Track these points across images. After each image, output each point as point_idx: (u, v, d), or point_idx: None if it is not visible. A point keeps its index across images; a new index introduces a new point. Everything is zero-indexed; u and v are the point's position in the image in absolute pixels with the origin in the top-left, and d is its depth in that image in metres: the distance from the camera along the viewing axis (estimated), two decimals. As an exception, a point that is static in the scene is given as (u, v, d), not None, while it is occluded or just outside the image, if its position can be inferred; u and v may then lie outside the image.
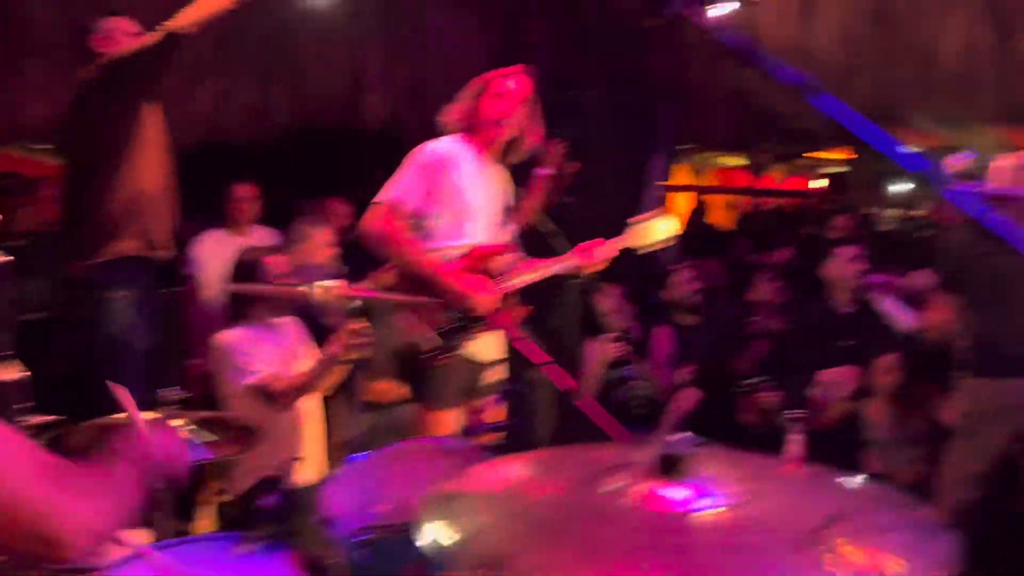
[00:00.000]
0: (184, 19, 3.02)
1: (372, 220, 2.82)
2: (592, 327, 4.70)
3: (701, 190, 13.06)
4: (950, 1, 4.49)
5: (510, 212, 3.08)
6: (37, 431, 2.73)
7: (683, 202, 11.62)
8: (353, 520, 1.89)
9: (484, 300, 2.80)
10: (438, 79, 5.18)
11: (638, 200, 5.63)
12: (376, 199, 2.86)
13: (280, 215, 4.63)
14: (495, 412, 2.04)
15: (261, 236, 4.56)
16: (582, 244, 2.98)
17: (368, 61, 5.01)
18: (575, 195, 4.80)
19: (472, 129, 2.98)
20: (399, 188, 2.83)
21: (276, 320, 3.08)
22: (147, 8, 4.33)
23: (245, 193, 4.58)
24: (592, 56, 4.92)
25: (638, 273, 5.64)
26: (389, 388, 4.02)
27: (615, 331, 4.61)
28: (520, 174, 4.51)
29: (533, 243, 4.07)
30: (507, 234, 3.05)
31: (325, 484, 2.08)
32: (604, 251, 2.98)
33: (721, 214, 12.11)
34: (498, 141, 3.01)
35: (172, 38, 3.03)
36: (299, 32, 4.85)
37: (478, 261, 2.93)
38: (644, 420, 4.59)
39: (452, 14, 5.19)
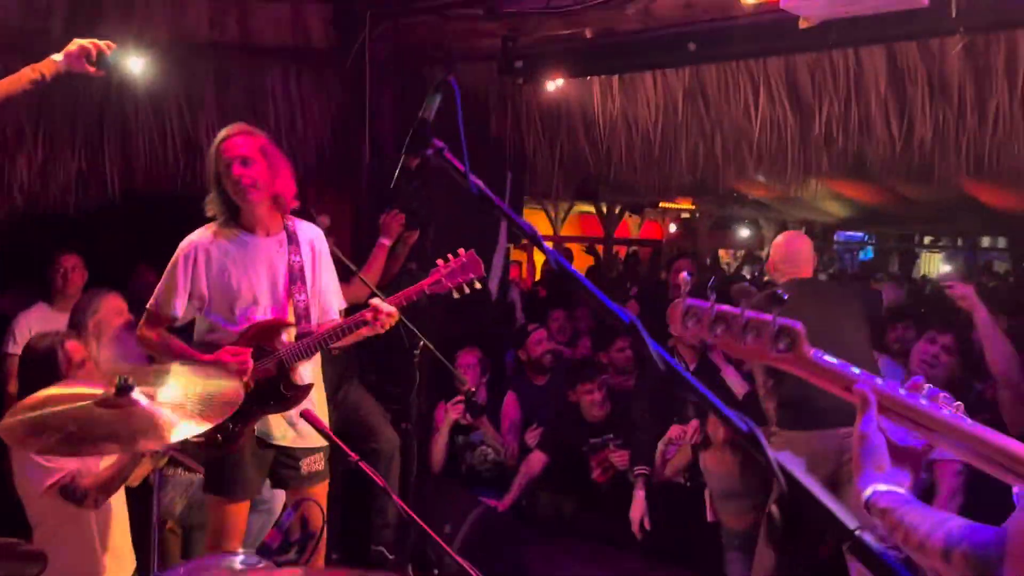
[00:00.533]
0: None
1: (139, 327, 2.98)
2: (443, 390, 4.71)
3: (560, 239, 13.47)
4: (756, 87, 4.86)
5: (302, 281, 2.97)
6: None
7: (540, 254, 11.88)
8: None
9: (232, 367, 2.71)
10: (279, 141, 5.13)
11: (487, 261, 5.75)
12: (148, 304, 2.96)
13: (112, 283, 4.41)
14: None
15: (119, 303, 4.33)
16: (371, 303, 2.84)
17: (201, 124, 4.89)
18: (417, 262, 4.85)
19: (228, 210, 2.92)
20: (158, 293, 2.93)
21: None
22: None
23: (69, 263, 4.34)
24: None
25: (494, 332, 5.72)
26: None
27: (463, 394, 4.63)
28: (361, 245, 4.50)
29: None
30: (297, 304, 2.94)
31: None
32: (391, 307, 2.83)
33: (581, 261, 12.47)
34: (257, 213, 2.93)
35: None
36: (128, 97, 4.69)
37: (256, 338, 2.87)
38: (492, 483, 4.62)
39: (292, 79, 5.15)
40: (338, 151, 5.22)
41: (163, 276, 2.93)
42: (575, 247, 13.20)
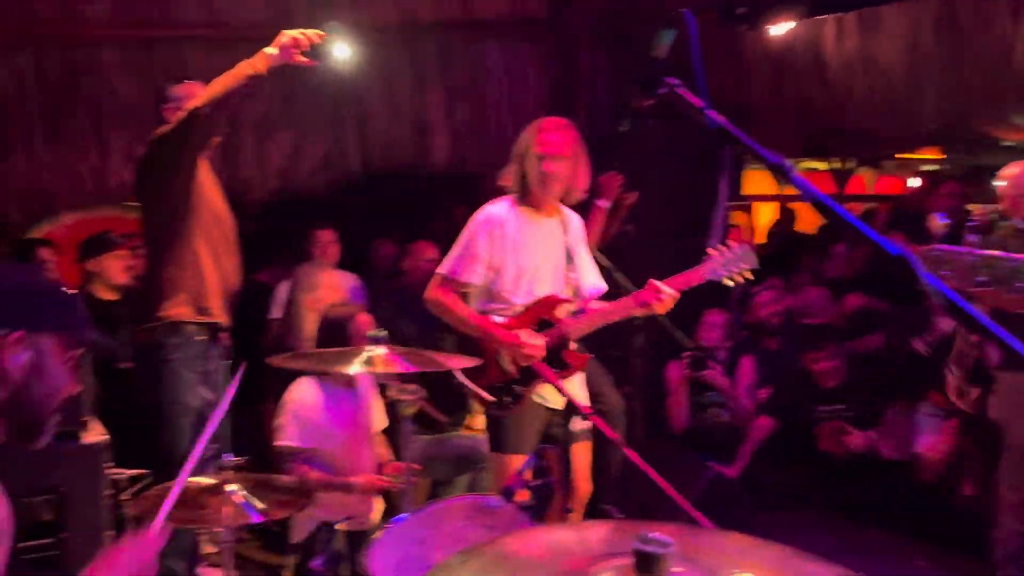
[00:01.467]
0: (202, 98, 3.13)
1: (430, 290, 3.11)
2: (670, 351, 4.65)
3: (785, 198, 12.73)
4: (1015, 11, 4.27)
5: (572, 262, 3.13)
6: (123, 485, 2.92)
7: (765, 213, 11.31)
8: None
9: (530, 348, 2.88)
10: (499, 117, 5.29)
11: (705, 225, 5.55)
12: (438, 269, 3.14)
13: (351, 259, 4.80)
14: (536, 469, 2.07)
15: (340, 279, 4.75)
16: (650, 282, 2.96)
17: (430, 104, 5.14)
18: (635, 224, 4.80)
19: (523, 190, 3.07)
20: (452, 260, 3.09)
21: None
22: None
23: (327, 237, 4.77)
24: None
25: (721, 294, 5.54)
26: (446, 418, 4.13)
27: (690, 350, 4.56)
28: (577, 207, 4.53)
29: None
30: (571, 283, 3.11)
31: (370, 546, 2.15)
32: (673, 290, 2.93)
33: (809, 221, 11.73)
34: (548, 199, 3.09)
35: (191, 115, 3.15)
36: (363, 80, 5.02)
37: (539, 313, 3.03)
38: (721, 448, 4.51)
39: (509, 52, 5.27)
40: (554, 115, 5.27)
41: (460, 244, 3.10)
42: (802, 206, 12.44)
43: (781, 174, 1.27)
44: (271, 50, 3.03)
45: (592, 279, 3.26)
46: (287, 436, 3.26)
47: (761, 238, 9.30)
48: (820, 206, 1.15)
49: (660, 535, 1.06)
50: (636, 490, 3.93)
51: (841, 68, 4.98)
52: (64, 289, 1.57)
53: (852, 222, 1.12)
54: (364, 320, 3.28)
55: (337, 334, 3.18)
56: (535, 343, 2.95)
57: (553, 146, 3.02)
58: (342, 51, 3.09)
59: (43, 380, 1.48)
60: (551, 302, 3.07)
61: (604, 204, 4.39)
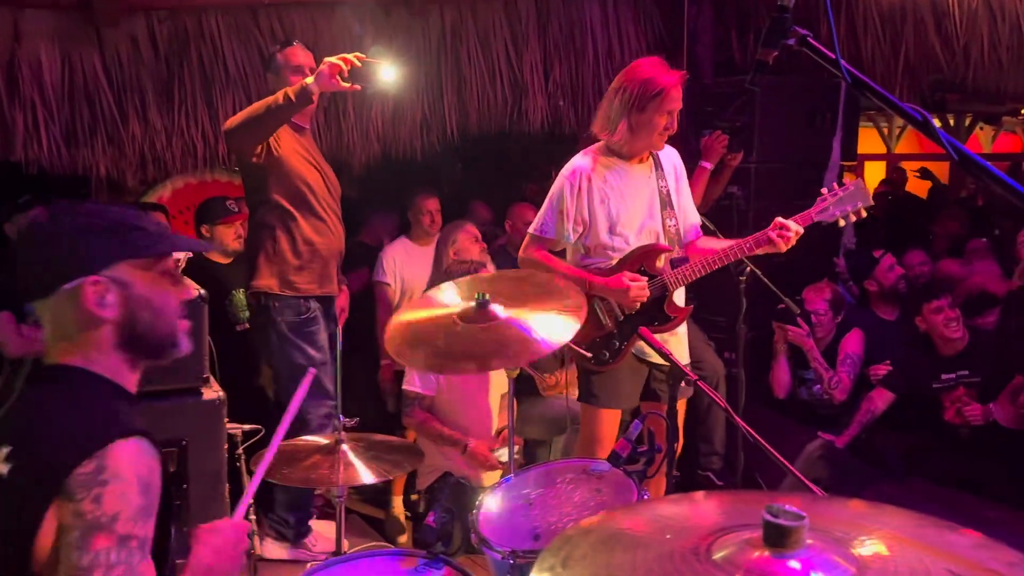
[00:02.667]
0: (234, 120, 3.43)
1: (523, 249, 3.13)
2: (776, 317, 4.50)
3: (895, 158, 12.12)
4: None
5: (670, 207, 3.04)
6: (238, 440, 3.06)
7: (873, 174, 10.83)
8: (504, 543, 1.97)
9: (635, 291, 2.82)
10: (596, 76, 5.18)
11: (817, 185, 5.31)
12: (529, 229, 3.13)
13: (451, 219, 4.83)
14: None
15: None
16: (776, 219, 2.87)
17: (526, 64, 5.07)
18: (742, 187, 4.65)
19: (624, 138, 2.98)
20: (540, 218, 3.07)
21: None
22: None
23: (432, 206, 4.84)
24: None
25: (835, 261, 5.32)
26: (554, 383, 4.13)
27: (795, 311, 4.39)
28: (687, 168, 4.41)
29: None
30: (669, 230, 3.03)
31: (479, 506, 2.17)
32: (796, 226, 2.84)
33: (918, 185, 11.15)
34: (641, 148, 2.99)
35: (224, 133, 3.52)
36: (461, 42, 5.00)
37: (637, 263, 2.97)
38: (828, 421, 4.36)
39: (608, 7, 5.13)
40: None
41: (548, 201, 3.07)
42: (909, 169, 11.83)
43: (922, 128, 1.19)
44: (309, 80, 3.18)
45: (693, 219, 3.18)
46: (410, 381, 3.35)
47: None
48: (965, 160, 1.07)
49: (790, 506, 1.02)
50: (736, 458, 3.86)
51: (963, 17, 4.65)
52: (128, 211, 1.54)
53: (1001, 177, 1.04)
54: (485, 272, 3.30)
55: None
56: (639, 285, 2.87)
57: (675, 102, 2.91)
58: (361, 79, 3.18)
59: (144, 306, 1.48)
60: (650, 251, 2.98)
61: (708, 166, 4.28)
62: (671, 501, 1.30)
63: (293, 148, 3.57)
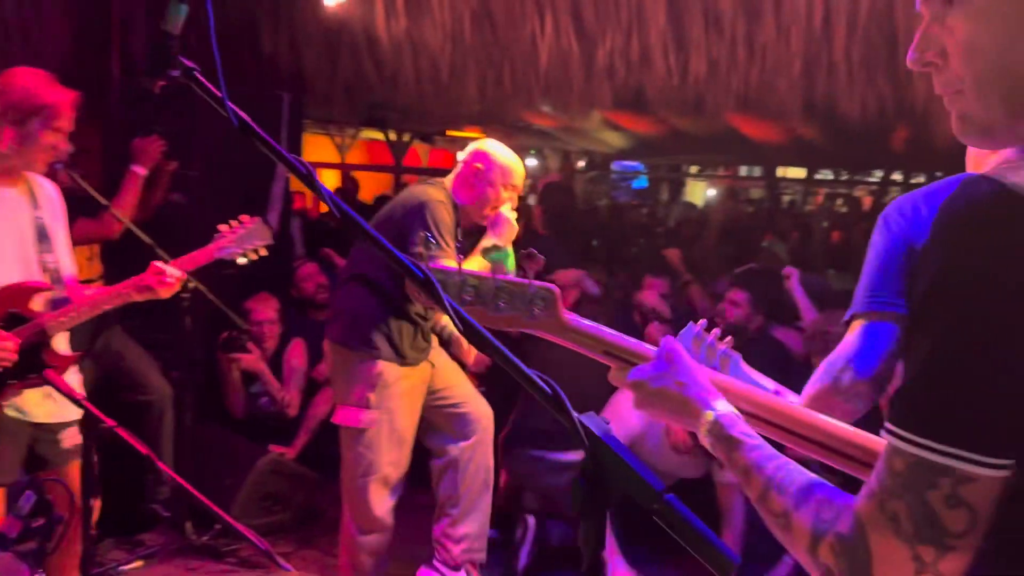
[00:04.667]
0: None
1: None
2: (224, 331, 4.35)
3: (347, 167, 12.92)
4: (540, 9, 4.80)
5: (46, 240, 2.59)
6: None
7: (328, 181, 11.38)
8: None
9: None
10: (5, 57, 4.38)
11: (265, 195, 5.33)
12: None
13: None
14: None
15: None
16: (153, 264, 2.60)
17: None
18: (184, 193, 4.39)
19: None
20: None
21: None
22: None
23: None
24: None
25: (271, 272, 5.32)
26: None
27: (242, 334, 4.31)
28: (112, 175, 4.00)
29: (131, 254, 3.62)
30: (48, 267, 2.58)
31: None
32: (179, 271, 2.61)
33: (371, 189, 12.07)
34: (22, 166, 2.55)
35: None
36: None
37: (6, 306, 2.48)
38: (279, 432, 4.37)
39: None
40: (83, 65, 4.53)
41: None
42: (364, 175, 12.79)
43: (306, 181, 1.16)
44: None
45: (67, 258, 2.71)
46: None
47: (323, 207, 9.26)
48: (346, 217, 1.07)
49: None
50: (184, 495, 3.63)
51: (391, 47, 5.11)
52: None
53: (379, 240, 1.05)
54: None
55: None
56: (2, 345, 2.40)
57: (57, 109, 2.50)
58: None
59: None
60: (20, 291, 2.52)
61: (141, 171, 3.90)
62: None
63: None
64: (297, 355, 4.49)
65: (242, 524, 3.04)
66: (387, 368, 2.99)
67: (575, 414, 0.91)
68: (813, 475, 0.88)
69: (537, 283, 1.13)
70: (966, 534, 0.73)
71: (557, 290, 1.14)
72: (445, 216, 2.89)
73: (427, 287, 0.96)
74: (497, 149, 3.03)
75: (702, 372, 1.08)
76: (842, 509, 0.81)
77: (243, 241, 2.76)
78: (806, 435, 1.06)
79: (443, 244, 2.84)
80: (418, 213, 2.86)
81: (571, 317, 1.15)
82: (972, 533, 0.73)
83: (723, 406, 1.01)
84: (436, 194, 2.94)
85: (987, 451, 0.72)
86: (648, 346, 1.15)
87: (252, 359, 4.30)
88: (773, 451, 0.93)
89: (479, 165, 2.96)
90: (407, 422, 3.09)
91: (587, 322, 1.17)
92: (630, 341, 1.17)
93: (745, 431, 0.96)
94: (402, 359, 3.01)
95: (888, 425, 0.78)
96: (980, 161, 1.58)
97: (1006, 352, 0.70)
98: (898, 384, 0.80)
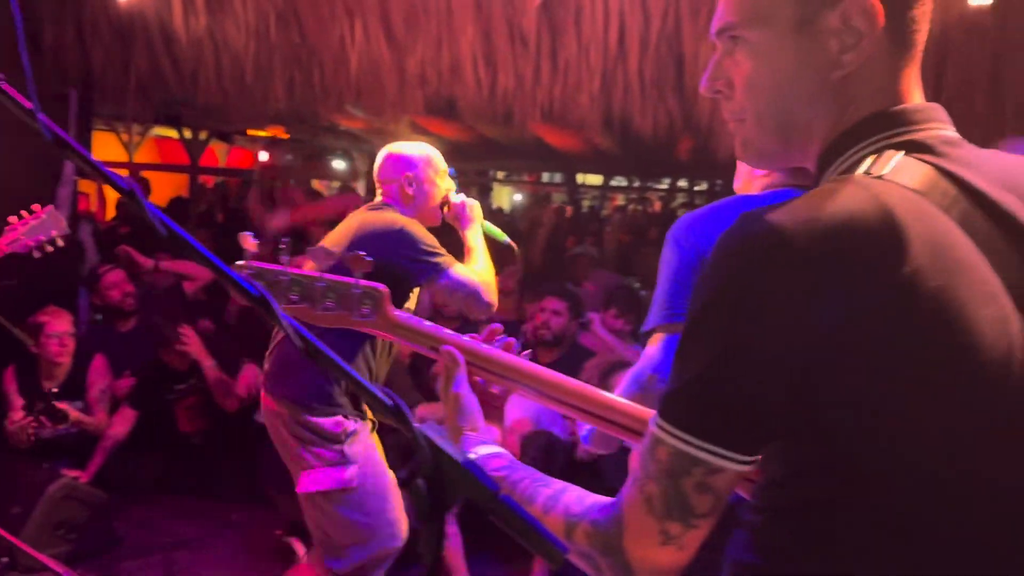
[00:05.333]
0: None
1: None
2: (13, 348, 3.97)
3: (136, 167, 12.05)
4: (349, 13, 4.79)
5: None
6: None
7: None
8: None
9: None
10: None
11: (51, 199, 4.89)
12: None
13: None
14: None
15: None
16: None
17: None
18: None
19: None
20: None
21: None
22: None
23: None
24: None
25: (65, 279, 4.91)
26: None
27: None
28: None
29: None
30: None
31: None
32: None
33: (166, 192, 11.34)
34: None
35: None
36: None
37: None
38: (74, 451, 4.05)
39: None
40: None
41: None
42: (156, 175, 12.00)
43: (130, 197, 1.12)
44: None
45: None
46: None
47: (112, 210, 8.64)
48: (173, 236, 1.05)
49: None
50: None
51: (190, 44, 4.87)
52: None
53: (208, 256, 1.05)
54: None
55: None
56: None
57: None
58: None
59: None
60: None
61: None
62: None
63: None
64: (100, 373, 4.17)
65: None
66: (351, 423, 2.59)
67: (416, 425, 0.97)
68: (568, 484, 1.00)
69: (363, 283, 1.15)
70: (709, 515, 0.87)
71: (385, 289, 1.16)
72: (420, 228, 2.65)
73: (262, 304, 0.96)
74: (409, 149, 2.83)
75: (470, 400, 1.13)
76: (596, 502, 0.94)
77: (35, 232, 2.54)
78: (578, 405, 1.14)
79: (442, 251, 2.63)
80: (403, 237, 2.57)
81: (399, 314, 1.17)
82: (713, 514, 0.87)
83: (482, 448, 1.06)
84: (397, 216, 2.66)
85: (736, 449, 0.85)
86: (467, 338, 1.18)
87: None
88: (526, 474, 1.03)
89: (409, 174, 2.78)
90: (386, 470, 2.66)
91: (415, 318, 1.19)
92: (447, 333, 1.18)
93: (498, 466, 1.04)
94: (363, 415, 2.63)
95: (657, 418, 0.89)
96: (751, 174, 1.80)
97: (759, 374, 0.83)
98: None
